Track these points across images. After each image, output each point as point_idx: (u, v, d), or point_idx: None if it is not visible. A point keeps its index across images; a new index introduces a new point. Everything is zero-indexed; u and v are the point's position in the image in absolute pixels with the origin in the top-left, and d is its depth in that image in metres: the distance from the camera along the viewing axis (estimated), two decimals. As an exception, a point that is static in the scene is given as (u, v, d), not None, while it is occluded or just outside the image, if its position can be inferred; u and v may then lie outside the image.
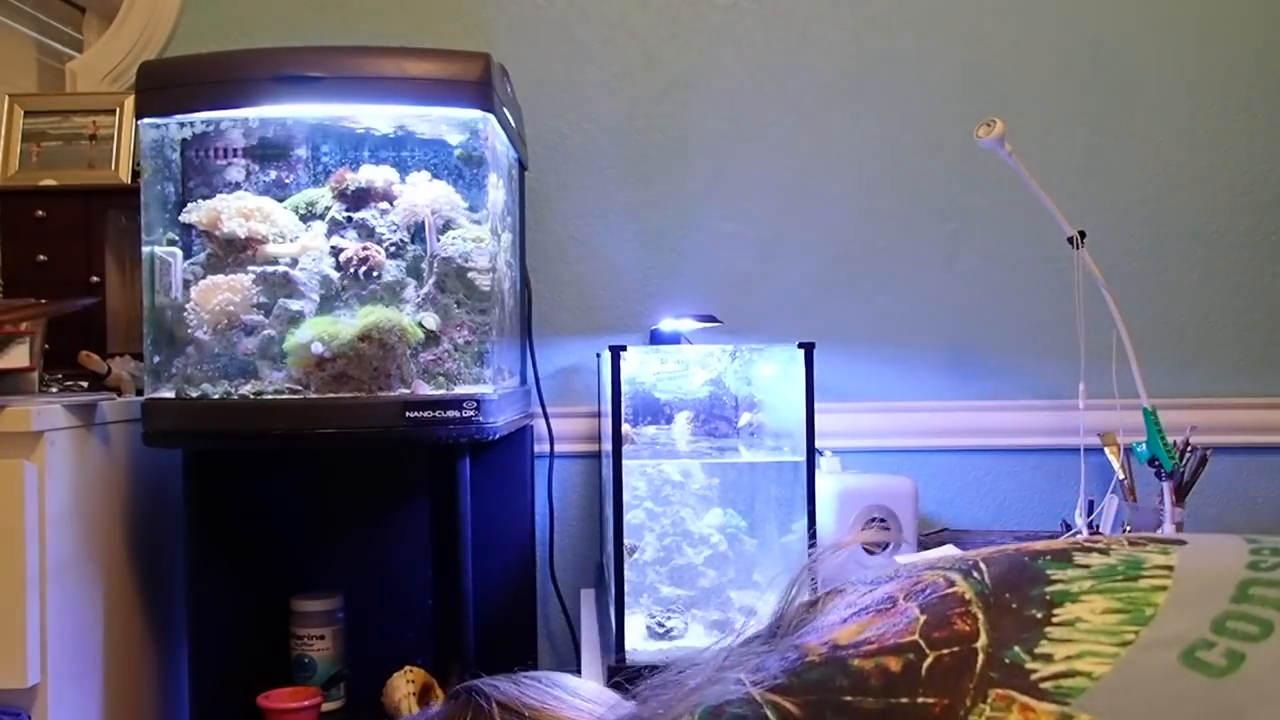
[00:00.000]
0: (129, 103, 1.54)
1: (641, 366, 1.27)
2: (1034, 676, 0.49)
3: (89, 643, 1.25)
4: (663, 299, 1.74)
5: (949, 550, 1.48)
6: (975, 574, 0.58)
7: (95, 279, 1.47)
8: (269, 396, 1.21)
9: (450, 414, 1.20)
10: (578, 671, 1.31)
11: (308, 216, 1.31)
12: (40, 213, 1.46)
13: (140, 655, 1.38)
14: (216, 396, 1.22)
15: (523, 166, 1.62)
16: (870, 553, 1.56)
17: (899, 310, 1.76)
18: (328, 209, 1.31)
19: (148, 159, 1.29)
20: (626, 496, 1.20)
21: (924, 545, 1.56)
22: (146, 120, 1.28)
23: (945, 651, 0.52)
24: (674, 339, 1.62)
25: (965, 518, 1.77)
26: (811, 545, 1.14)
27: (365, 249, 1.26)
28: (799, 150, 1.75)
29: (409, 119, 1.32)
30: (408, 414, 1.20)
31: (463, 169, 1.33)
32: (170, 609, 1.42)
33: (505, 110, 1.35)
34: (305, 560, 1.51)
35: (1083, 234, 1.48)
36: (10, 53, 1.82)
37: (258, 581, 1.44)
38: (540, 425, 1.70)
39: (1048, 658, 0.50)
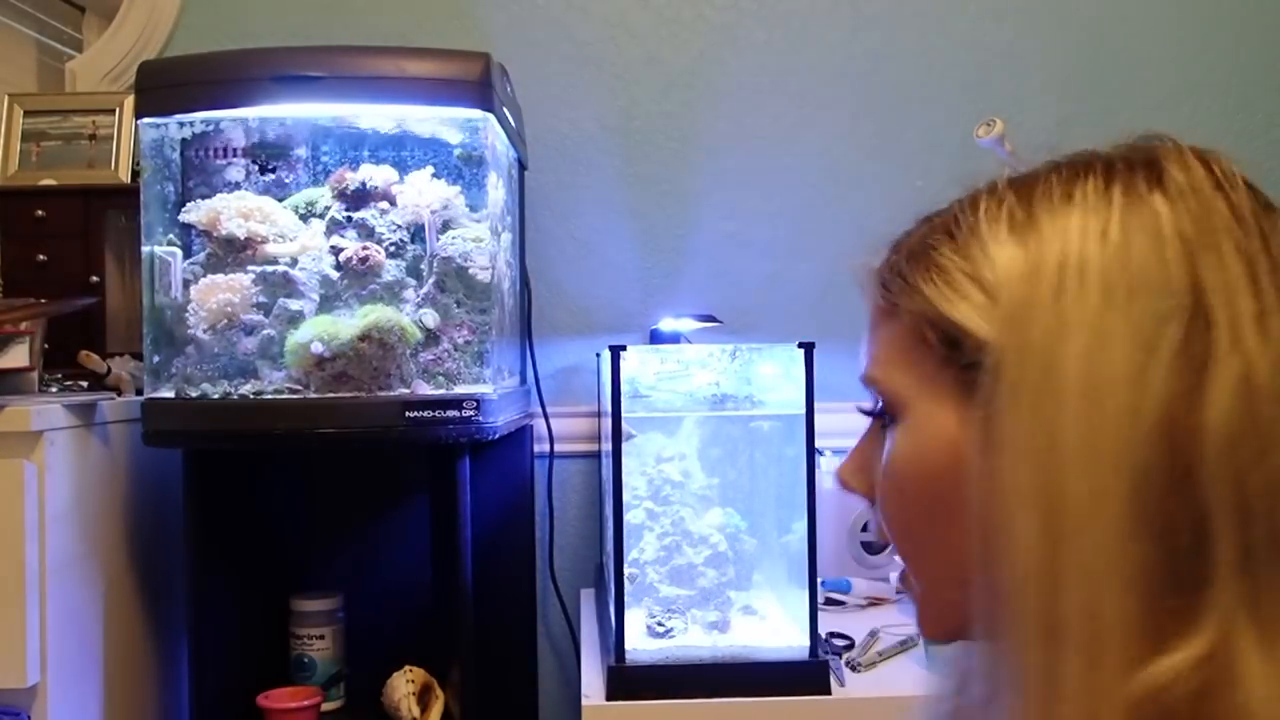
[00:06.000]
0: (129, 102, 1.54)
1: (641, 366, 1.27)
2: None
3: (89, 643, 1.25)
4: (663, 299, 1.74)
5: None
6: None
7: (95, 279, 1.47)
8: (269, 396, 1.21)
9: (450, 414, 1.20)
10: (578, 671, 1.31)
11: (307, 216, 1.31)
12: (40, 213, 1.46)
13: (140, 655, 1.38)
14: (216, 396, 1.22)
15: (523, 166, 1.62)
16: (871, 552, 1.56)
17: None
18: (327, 209, 1.31)
19: (147, 159, 1.29)
20: (626, 496, 1.20)
21: (924, 545, 1.56)
22: (146, 120, 1.28)
23: None
24: (674, 339, 1.62)
25: (965, 518, 1.77)
26: (812, 545, 1.14)
27: (365, 249, 1.26)
28: (799, 150, 1.75)
29: (409, 119, 1.32)
30: (407, 414, 1.20)
31: (463, 169, 1.33)
32: (170, 609, 1.42)
33: (505, 110, 1.35)
34: (305, 560, 1.51)
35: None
36: (10, 53, 1.81)
37: (258, 581, 1.44)
38: (540, 425, 1.70)
39: None
